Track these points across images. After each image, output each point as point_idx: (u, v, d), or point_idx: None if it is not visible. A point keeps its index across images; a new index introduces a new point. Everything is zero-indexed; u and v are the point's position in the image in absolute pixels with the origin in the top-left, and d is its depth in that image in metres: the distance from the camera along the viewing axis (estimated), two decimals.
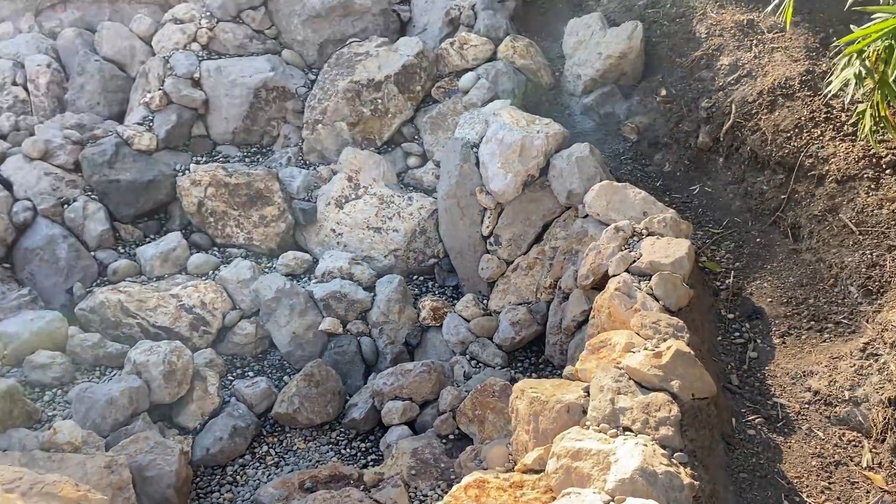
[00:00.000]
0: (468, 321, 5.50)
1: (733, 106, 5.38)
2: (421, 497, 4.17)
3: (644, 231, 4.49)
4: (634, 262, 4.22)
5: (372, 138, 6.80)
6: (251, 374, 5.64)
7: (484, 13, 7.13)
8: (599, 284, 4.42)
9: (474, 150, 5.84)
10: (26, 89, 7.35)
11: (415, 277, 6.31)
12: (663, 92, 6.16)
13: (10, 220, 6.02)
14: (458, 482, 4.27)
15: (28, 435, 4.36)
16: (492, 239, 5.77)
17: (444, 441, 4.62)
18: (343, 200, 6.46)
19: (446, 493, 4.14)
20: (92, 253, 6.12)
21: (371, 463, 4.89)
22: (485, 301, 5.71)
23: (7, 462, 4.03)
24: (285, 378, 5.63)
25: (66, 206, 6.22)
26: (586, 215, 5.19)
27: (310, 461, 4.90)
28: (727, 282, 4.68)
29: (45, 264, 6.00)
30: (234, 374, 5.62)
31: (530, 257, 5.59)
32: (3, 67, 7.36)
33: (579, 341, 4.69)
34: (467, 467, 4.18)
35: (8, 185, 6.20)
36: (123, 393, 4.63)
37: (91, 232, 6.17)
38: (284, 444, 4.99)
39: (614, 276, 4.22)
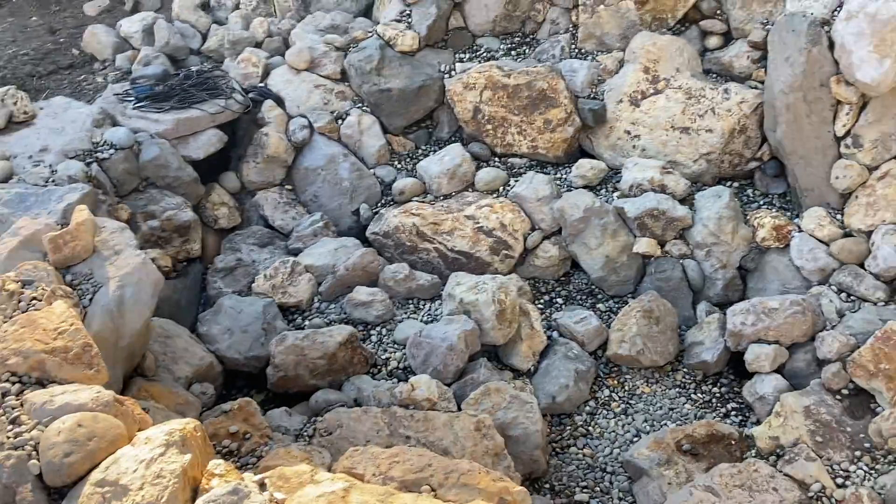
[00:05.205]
0: (826, 244, 4.62)
1: None
2: (842, 473, 3.55)
3: None
4: None
5: (664, 18, 5.76)
6: (559, 300, 5.15)
7: None
8: None
9: (825, 28, 4.71)
10: None
11: (727, 184, 5.44)
12: None
13: (289, 139, 5.68)
14: (875, 451, 3.63)
15: (379, 387, 4.12)
16: (849, 140, 4.75)
17: (837, 398, 3.92)
18: (639, 97, 5.58)
19: (871, 468, 3.51)
20: (372, 171, 5.72)
21: (733, 413, 4.31)
22: (839, 216, 4.78)
23: (369, 421, 3.81)
24: (599, 306, 5.09)
25: (339, 121, 5.80)
26: None
27: (659, 407, 4.40)
28: None
29: (328, 185, 5.67)
30: (541, 301, 5.15)
31: None
32: None
33: None
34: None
35: (279, 102, 5.82)
36: (461, 337, 4.26)
37: (368, 148, 5.75)
38: (627, 388, 4.51)
39: None
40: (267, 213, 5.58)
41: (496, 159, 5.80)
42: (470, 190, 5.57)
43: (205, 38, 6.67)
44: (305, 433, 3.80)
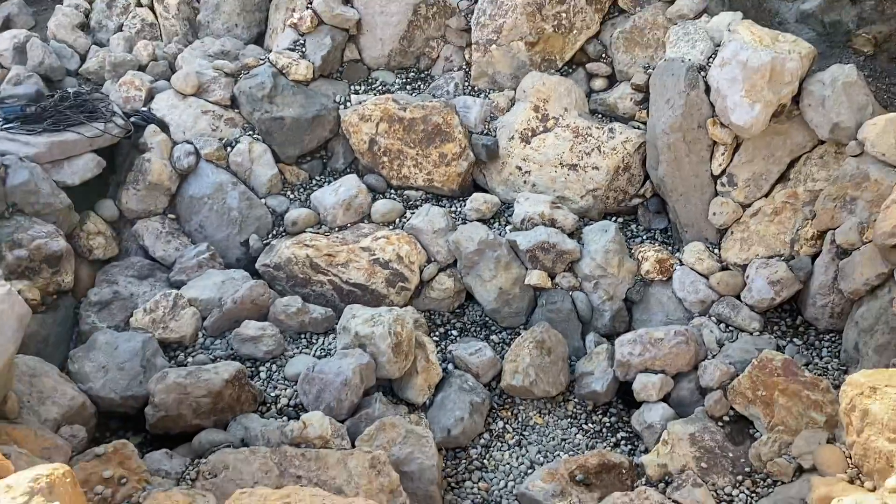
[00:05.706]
0: (706, 276, 4.86)
1: None
2: (726, 498, 3.68)
3: None
4: None
5: (552, 59, 5.97)
6: (454, 332, 5.14)
7: None
8: None
9: (702, 74, 5.02)
10: (153, 11, 6.62)
11: (613, 219, 5.64)
12: None
13: (174, 166, 5.44)
14: (755, 475, 3.79)
15: (268, 426, 3.93)
16: (724, 179, 5.05)
17: (719, 424, 4.08)
18: (529, 134, 5.73)
19: (752, 492, 3.66)
20: (263, 200, 5.55)
21: (622, 442, 4.40)
22: (716, 251, 5.05)
23: (258, 461, 3.62)
24: (493, 337, 5.11)
25: (228, 148, 5.61)
26: (860, 154, 4.44)
27: (552, 438, 4.44)
28: None
29: (216, 215, 5.45)
30: (437, 333, 5.12)
31: (776, 201, 4.87)
32: None
33: (879, 310, 4.05)
34: (777, 464, 3.66)
35: (163, 127, 5.57)
36: (356, 371, 4.15)
37: (260, 177, 5.58)
38: (520, 420, 4.52)
39: None
40: (147, 243, 5.29)
41: (392, 191, 5.77)
42: (366, 221, 5.49)
43: (83, 59, 6.35)
44: (188, 476, 3.56)
